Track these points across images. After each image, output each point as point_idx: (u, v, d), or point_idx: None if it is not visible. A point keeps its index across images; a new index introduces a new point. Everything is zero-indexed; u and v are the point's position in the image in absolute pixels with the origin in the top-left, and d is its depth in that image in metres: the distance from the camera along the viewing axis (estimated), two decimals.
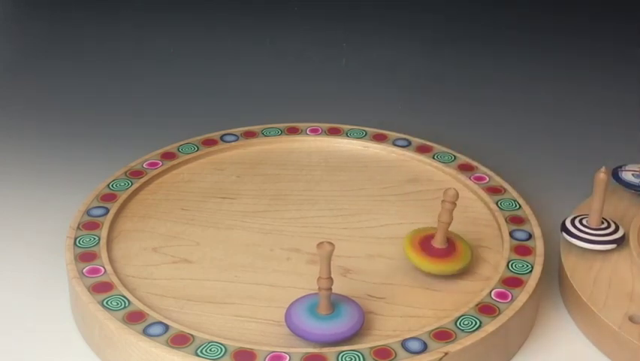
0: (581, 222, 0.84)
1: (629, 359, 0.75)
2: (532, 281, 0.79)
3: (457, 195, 0.78)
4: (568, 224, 0.85)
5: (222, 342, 0.72)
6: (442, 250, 0.80)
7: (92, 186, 0.92)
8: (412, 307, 0.78)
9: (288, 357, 0.71)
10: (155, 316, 0.74)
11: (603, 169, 0.83)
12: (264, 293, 0.79)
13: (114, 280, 0.78)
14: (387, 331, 0.75)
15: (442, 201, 0.78)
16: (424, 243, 0.81)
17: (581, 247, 0.83)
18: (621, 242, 0.83)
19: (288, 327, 0.73)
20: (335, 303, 0.74)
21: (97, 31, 1.39)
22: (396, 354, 0.71)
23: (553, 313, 0.83)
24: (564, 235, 0.84)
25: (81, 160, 1.04)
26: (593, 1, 1.48)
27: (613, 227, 0.84)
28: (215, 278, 0.81)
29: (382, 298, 0.79)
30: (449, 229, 0.81)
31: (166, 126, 1.11)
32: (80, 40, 1.36)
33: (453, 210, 0.78)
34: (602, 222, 0.84)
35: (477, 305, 0.76)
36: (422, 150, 0.99)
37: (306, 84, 1.24)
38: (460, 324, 0.74)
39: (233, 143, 1.00)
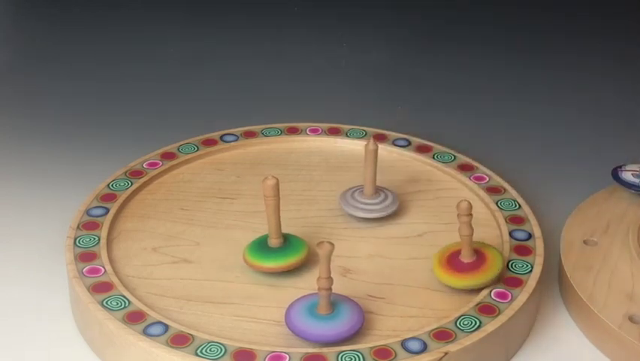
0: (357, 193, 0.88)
1: (629, 359, 0.75)
2: (532, 281, 0.79)
3: (470, 207, 0.76)
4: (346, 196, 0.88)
5: (222, 342, 0.72)
6: (471, 263, 0.78)
7: (92, 186, 0.92)
8: (412, 307, 0.78)
9: (288, 357, 0.71)
10: (154, 316, 0.74)
11: (372, 140, 0.86)
12: (264, 293, 0.79)
13: (114, 280, 0.78)
14: (387, 331, 0.75)
15: (458, 215, 0.77)
16: (452, 259, 0.79)
17: (356, 216, 0.87)
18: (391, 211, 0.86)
19: (288, 327, 0.73)
20: (335, 303, 0.74)
21: (96, 31, 1.39)
22: (396, 354, 0.71)
23: (553, 314, 0.82)
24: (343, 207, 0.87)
25: (81, 160, 1.04)
26: (593, 0, 1.48)
27: (390, 198, 0.87)
28: (215, 278, 0.81)
29: (382, 298, 0.79)
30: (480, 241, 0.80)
31: (166, 126, 1.11)
32: (80, 40, 1.36)
33: (470, 221, 0.77)
34: (378, 194, 0.87)
35: (477, 305, 0.76)
36: (422, 149, 0.99)
37: (306, 84, 1.24)
38: (460, 324, 0.74)
39: (233, 143, 1.00)
